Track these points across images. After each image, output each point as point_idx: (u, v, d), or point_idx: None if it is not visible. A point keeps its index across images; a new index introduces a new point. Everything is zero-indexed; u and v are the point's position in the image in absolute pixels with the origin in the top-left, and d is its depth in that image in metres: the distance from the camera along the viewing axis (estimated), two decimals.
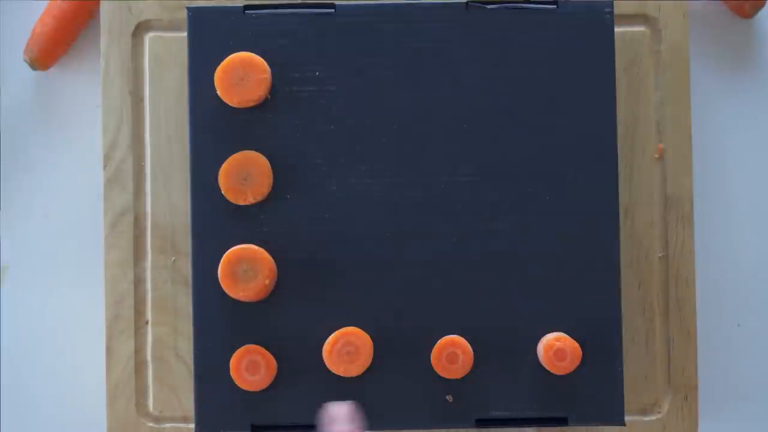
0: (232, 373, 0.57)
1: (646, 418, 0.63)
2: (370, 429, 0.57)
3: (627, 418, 0.61)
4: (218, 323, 0.58)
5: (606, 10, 0.59)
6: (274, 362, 0.57)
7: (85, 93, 0.69)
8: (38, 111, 0.70)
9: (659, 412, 0.64)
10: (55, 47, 0.68)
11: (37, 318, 0.69)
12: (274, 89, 0.58)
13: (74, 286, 0.68)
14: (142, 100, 0.64)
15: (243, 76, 0.57)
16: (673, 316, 0.64)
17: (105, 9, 0.64)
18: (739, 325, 0.69)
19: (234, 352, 0.57)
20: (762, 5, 0.68)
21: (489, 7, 0.59)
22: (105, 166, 0.64)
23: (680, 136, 0.64)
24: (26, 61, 0.68)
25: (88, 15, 0.69)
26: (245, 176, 0.58)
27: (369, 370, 0.57)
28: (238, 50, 0.58)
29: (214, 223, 0.58)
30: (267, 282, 0.57)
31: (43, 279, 0.69)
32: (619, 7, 0.62)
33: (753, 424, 0.68)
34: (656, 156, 0.64)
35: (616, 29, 0.60)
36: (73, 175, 0.69)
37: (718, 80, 0.69)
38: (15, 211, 0.70)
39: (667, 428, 0.63)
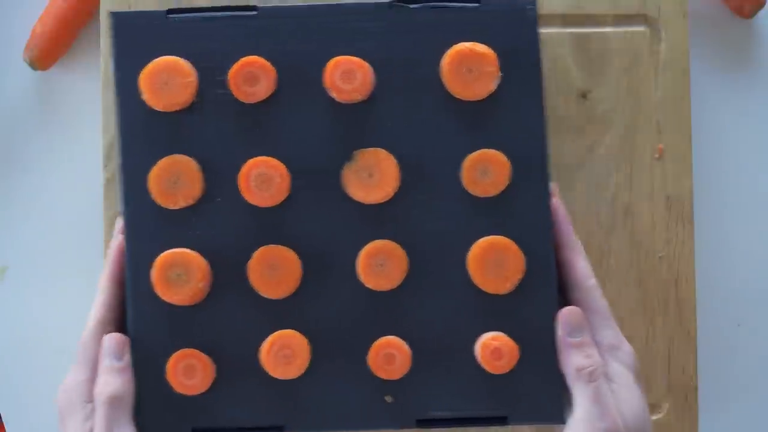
0: (169, 378, 0.57)
1: None
2: (310, 430, 0.57)
3: None
4: (155, 328, 0.57)
5: (528, 6, 0.58)
6: (211, 366, 0.57)
7: (85, 93, 0.69)
8: (38, 111, 0.70)
9: (659, 412, 0.64)
10: (55, 47, 0.68)
11: (36, 318, 0.69)
12: (201, 93, 0.58)
13: (74, 286, 0.68)
14: None
15: (167, 80, 0.57)
16: (673, 316, 0.64)
17: (105, 9, 0.64)
18: (739, 325, 0.69)
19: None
20: (762, 5, 0.68)
21: (412, 6, 0.58)
22: (105, 166, 0.64)
23: (680, 136, 0.64)
24: (26, 61, 0.68)
25: (88, 15, 0.69)
26: (175, 180, 0.57)
27: (307, 372, 0.57)
28: (163, 54, 0.58)
29: (147, 227, 0.58)
30: (201, 285, 0.56)
31: (43, 279, 0.69)
32: (619, 8, 0.62)
33: (753, 424, 0.68)
34: (656, 156, 0.64)
35: (617, 29, 0.60)
36: (73, 175, 0.69)
37: (718, 80, 0.69)
38: (15, 211, 0.70)
39: (667, 428, 0.63)
